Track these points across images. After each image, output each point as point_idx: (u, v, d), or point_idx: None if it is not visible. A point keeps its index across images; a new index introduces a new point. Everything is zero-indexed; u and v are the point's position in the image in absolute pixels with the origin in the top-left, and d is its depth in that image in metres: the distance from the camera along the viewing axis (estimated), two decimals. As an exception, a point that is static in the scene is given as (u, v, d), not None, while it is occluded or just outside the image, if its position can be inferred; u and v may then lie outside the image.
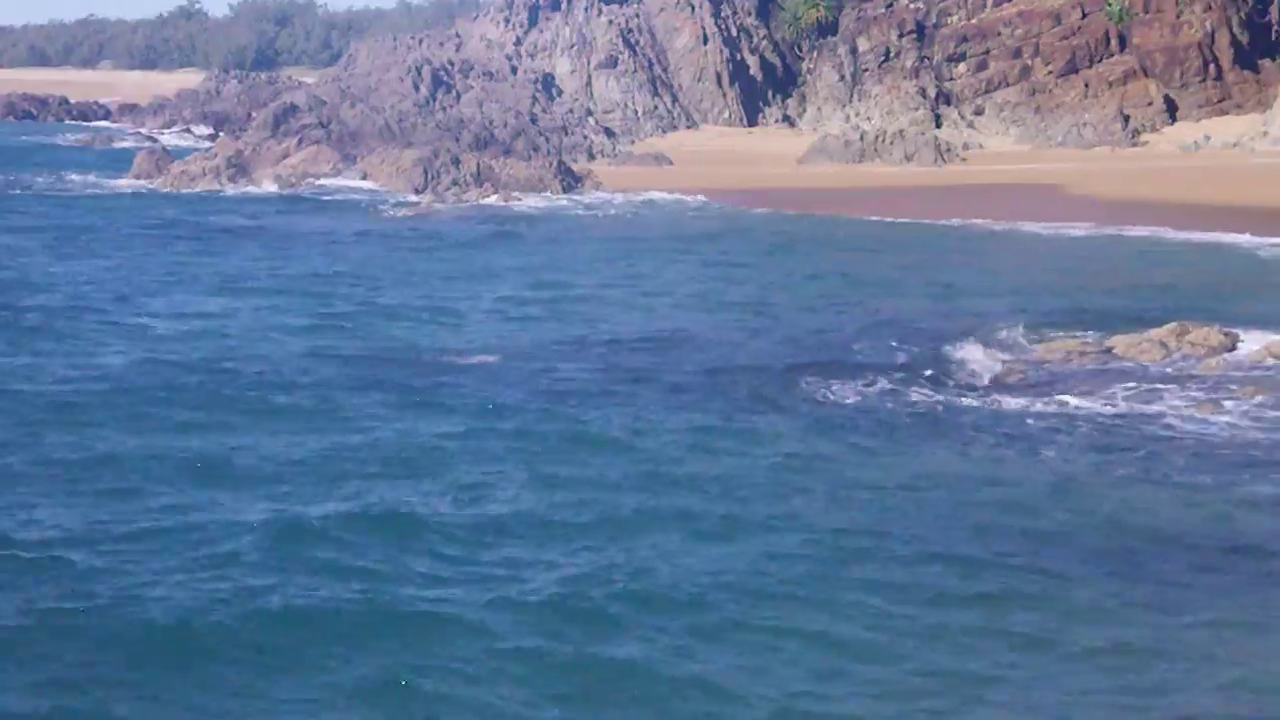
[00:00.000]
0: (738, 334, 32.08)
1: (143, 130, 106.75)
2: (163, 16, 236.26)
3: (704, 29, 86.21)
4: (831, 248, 47.73)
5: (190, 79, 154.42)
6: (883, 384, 27.04)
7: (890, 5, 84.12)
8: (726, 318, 34.32)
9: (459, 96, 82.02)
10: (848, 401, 25.85)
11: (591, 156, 75.57)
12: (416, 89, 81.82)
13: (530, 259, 43.67)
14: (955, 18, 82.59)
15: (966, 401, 25.98)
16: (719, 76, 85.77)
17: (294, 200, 60.42)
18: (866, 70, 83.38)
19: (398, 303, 35.55)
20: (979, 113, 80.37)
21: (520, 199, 59.32)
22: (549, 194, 60.83)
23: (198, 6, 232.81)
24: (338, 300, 35.92)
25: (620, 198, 60.93)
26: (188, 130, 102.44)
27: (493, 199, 59.10)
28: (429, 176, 62.04)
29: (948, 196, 60.16)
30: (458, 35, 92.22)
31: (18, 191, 61.32)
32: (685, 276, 41.17)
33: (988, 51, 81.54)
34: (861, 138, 74.92)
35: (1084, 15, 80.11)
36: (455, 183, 61.69)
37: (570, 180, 61.48)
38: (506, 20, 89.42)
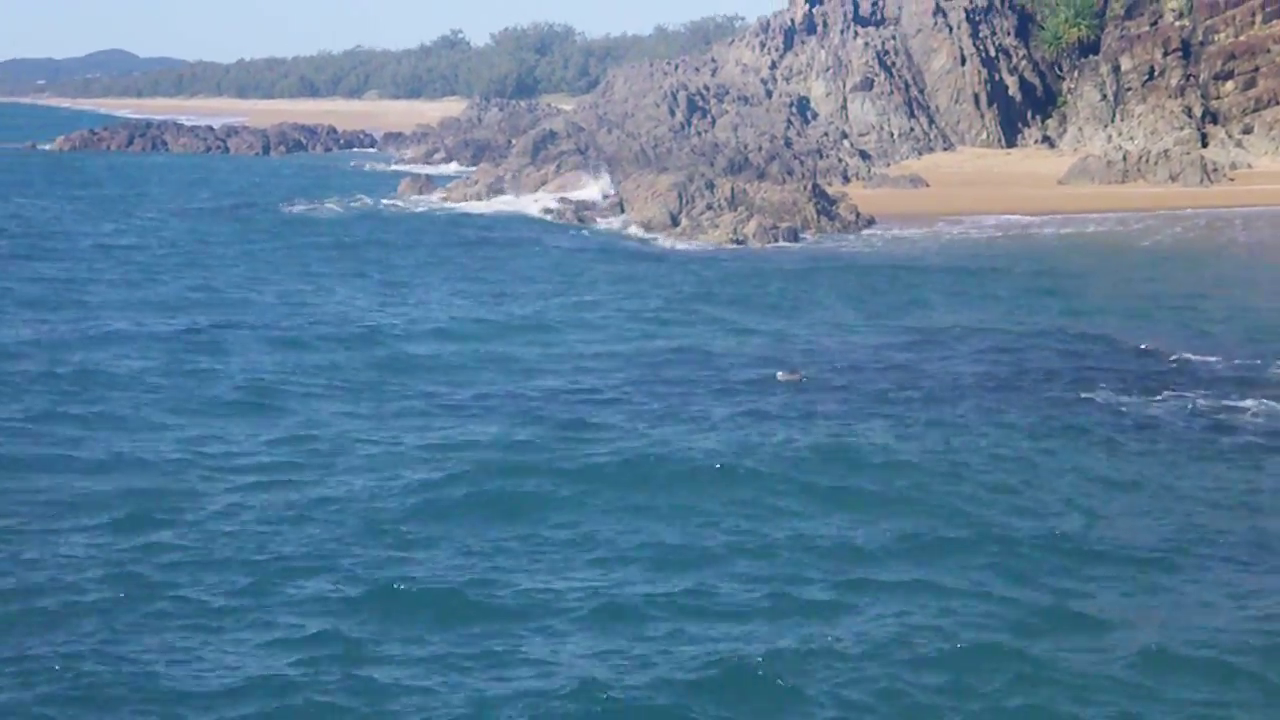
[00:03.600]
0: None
1: (406, 158, 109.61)
2: (426, 47, 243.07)
3: (962, 50, 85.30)
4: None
5: (453, 107, 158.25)
6: None
7: (1155, 23, 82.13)
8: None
9: (714, 121, 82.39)
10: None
11: (846, 179, 75.20)
12: (672, 114, 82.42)
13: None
14: (1222, 35, 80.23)
15: None
16: (977, 97, 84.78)
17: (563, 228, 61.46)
18: (1129, 89, 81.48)
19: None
20: (1247, 131, 77.95)
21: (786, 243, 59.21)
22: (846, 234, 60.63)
23: (460, 36, 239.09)
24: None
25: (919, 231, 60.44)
26: (449, 158, 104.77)
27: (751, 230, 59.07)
28: (683, 201, 62.33)
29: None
30: (713, 60, 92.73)
31: (295, 209, 63.35)
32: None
33: (1256, 69, 79.05)
34: (1124, 158, 73.29)
35: (1361, 29, 77.25)
36: (709, 207, 61.86)
37: (824, 203, 61.17)
38: (762, 44, 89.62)
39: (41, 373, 28.18)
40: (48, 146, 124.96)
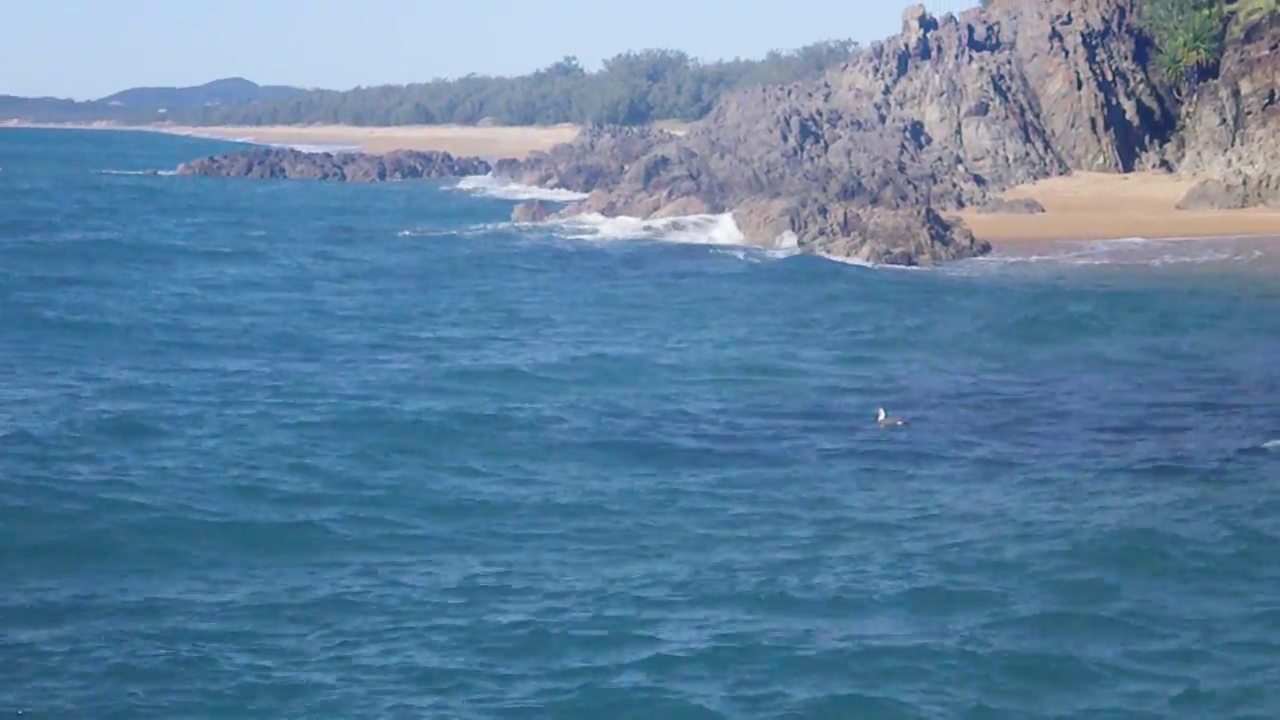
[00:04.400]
0: None
1: (520, 184, 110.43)
2: (540, 73, 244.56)
3: (1078, 74, 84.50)
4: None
5: (565, 134, 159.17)
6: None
7: (1275, 46, 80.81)
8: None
9: (826, 146, 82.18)
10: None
11: (961, 204, 74.72)
12: (784, 139, 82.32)
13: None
14: (1346, 57, 78.89)
15: None
16: (1093, 122, 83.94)
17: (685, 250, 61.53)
18: (1249, 113, 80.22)
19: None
20: (1371, 155, 76.53)
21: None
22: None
23: (574, 63, 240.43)
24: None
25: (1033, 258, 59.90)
26: (562, 184, 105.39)
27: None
28: (796, 226, 62.26)
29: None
30: (826, 85, 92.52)
31: (406, 234, 63.98)
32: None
33: (1380, 92, 77.65)
34: (1244, 182, 72.25)
35: None
36: (822, 232, 61.74)
37: (938, 229, 60.79)
38: (875, 69, 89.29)
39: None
40: (169, 173, 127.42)
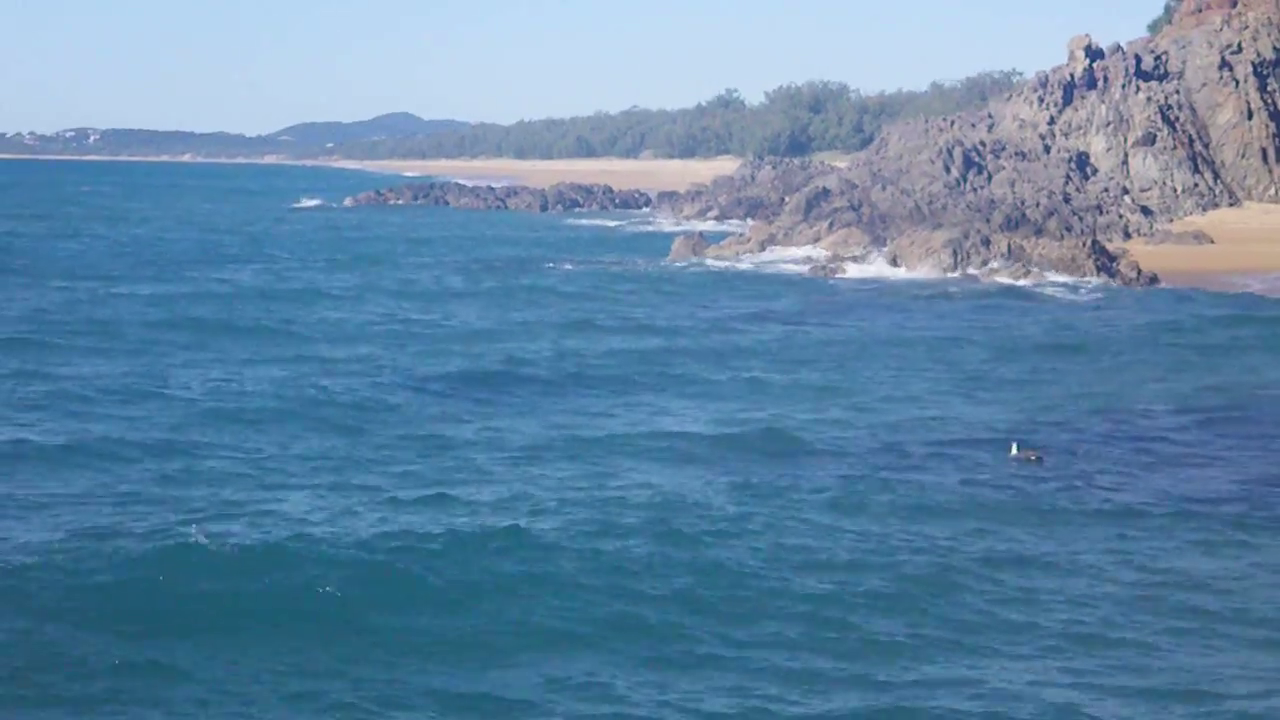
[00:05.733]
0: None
1: (680, 216, 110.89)
2: (701, 106, 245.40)
3: (1249, 103, 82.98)
4: None
5: (726, 166, 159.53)
6: None
7: None
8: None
9: (990, 177, 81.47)
10: None
11: (1127, 235, 73.62)
12: (947, 170, 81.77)
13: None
14: None
15: None
16: (1264, 152, 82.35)
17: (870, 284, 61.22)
18: None
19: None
20: None
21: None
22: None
23: (735, 95, 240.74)
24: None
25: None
26: (722, 216, 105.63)
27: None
28: (958, 257, 61.78)
29: None
30: (989, 116, 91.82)
31: (571, 268, 64.53)
32: None
33: None
34: None
35: None
36: (985, 263, 61.21)
37: (1104, 260, 59.91)
38: (1040, 99, 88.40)
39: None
40: (339, 203, 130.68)
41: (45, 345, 37.97)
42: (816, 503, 22.47)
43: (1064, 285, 57.31)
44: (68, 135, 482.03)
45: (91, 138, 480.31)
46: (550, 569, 18.89)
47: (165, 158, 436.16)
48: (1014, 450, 25.70)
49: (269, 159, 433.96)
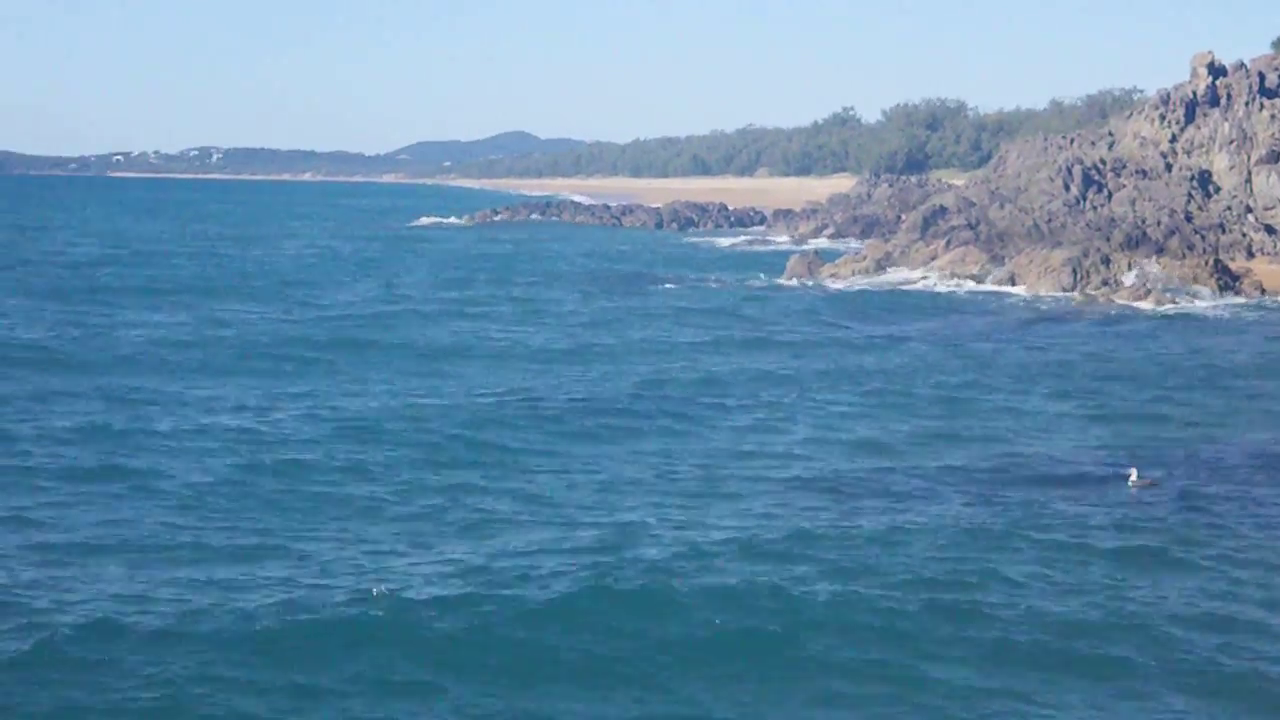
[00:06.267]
0: None
1: (795, 234, 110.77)
2: (817, 124, 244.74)
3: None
4: None
5: (842, 184, 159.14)
6: None
7: None
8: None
9: (1110, 195, 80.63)
10: None
11: (1251, 255, 72.56)
12: (1066, 188, 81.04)
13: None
14: None
15: None
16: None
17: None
18: None
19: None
20: None
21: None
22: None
23: (851, 113, 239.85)
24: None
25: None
26: (838, 234, 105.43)
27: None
28: (1077, 276, 61.27)
29: None
30: (1110, 134, 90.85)
31: (685, 287, 64.84)
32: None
33: None
34: None
35: None
36: (1105, 283, 60.67)
37: (1227, 279, 59.20)
38: (1162, 117, 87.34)
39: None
40: (457, 221, 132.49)
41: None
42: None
43: (1186, 304, 56.70)
44: (191, 154, 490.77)
45: (214, 156, 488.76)
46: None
47: (286, 176, 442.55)
48: (1132, 478, 25.47)
49: (388, 178, 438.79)
